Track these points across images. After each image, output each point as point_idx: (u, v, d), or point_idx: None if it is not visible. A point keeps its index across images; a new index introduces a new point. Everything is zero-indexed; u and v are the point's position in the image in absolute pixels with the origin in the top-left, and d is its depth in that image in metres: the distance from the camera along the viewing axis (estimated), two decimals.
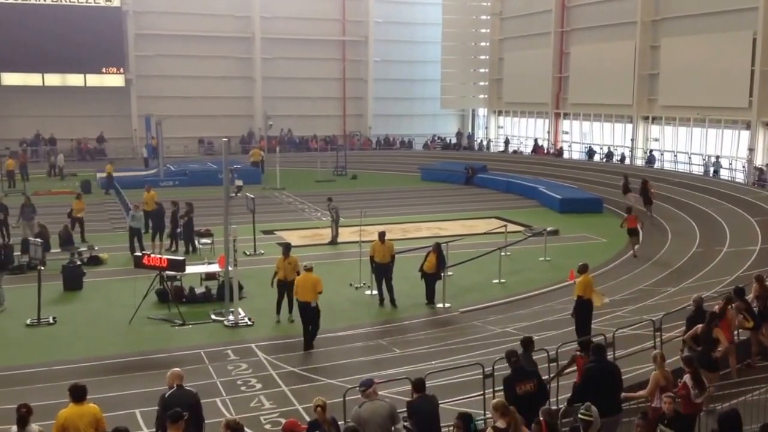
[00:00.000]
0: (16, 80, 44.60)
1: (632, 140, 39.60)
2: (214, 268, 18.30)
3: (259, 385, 12.54)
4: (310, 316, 14.63)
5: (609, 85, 40.05)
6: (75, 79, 45.60)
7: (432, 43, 51.95)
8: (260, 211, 24.40)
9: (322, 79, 51.30)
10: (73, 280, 18.80)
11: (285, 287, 16.31)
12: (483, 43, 52.06)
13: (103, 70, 46.04)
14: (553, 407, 9.90)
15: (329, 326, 16.04)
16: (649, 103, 38.81)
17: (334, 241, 24.18)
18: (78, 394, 8.40)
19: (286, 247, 16.91)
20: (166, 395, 8.80)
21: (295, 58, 50.04)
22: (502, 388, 9.38)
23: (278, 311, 16.41)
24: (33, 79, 44.77)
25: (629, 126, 40.28)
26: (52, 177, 39.69)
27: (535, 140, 46.60)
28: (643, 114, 39.34)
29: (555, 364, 10.69)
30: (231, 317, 16.15)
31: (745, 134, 33.75)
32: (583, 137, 44.10)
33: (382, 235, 17.83)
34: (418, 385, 8.79)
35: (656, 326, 12.11)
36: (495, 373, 10.00)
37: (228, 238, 16.31)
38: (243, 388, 12.48)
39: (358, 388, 8.69)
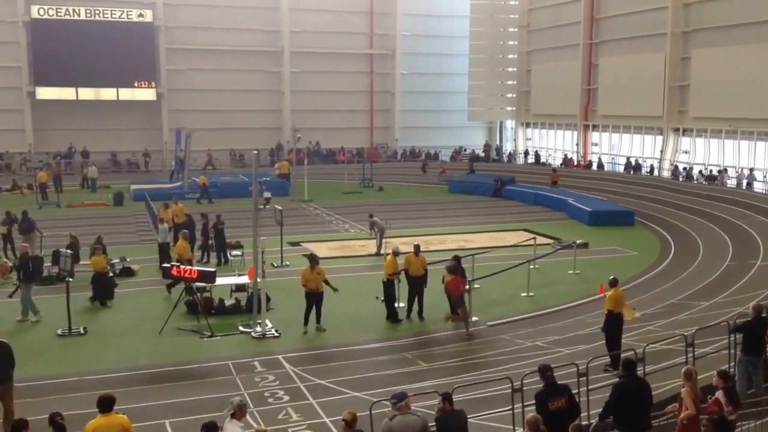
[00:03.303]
0: (50, 94, 45.41)
1: (662, 152, 39.15)
2: (244, 279, 18.38)
3: (286, 398, 12.53)
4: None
5: (639, 97, 39.67)
6: (108, 93, 46.37)
7: (459, 56, 51.95)
8: (288, 223, 24.53)
9: (349, 92, 51.55)
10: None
11: (314, 298, 16.35)
12: (511, 56, 51.93)
13: (136, 84, 46.78)
14: (584, 422, 9.80)
15: (356, 339, 16.06)
16: (680, 115, 38.36)
17: (378, 252, 24.04)
18: (105, 405, 8.47)
19: (313, 258, 16.93)
20: None
21: (323, 72, 50.37)
22: (531, 402, 9.27)
23: (306, 322, 16.43)
24: (67, 93, 45.57)
25: (659, 138, 39.84)
26: (85, 189, 40.27)
27: (536, 152, 46.41)
28: (673, 126, 38.89)
29: (585, 378, 10.55)
30: (258, 329, 16.21)
31: None
32: (612, 149, 43.75)
33: (417, 248, 17.71)
34: (447, 398, 8.72)
35: (688, 341, 11.87)
36: (524, 388, 9.88)
37: (257, 250, 16.38)
38: (270, 400, 12.48)
39: (389, 401, 8.55)
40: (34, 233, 23.83)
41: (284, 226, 23.15)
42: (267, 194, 21.70)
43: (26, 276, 17.12)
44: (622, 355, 11.76)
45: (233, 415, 8.46)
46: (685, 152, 38.67)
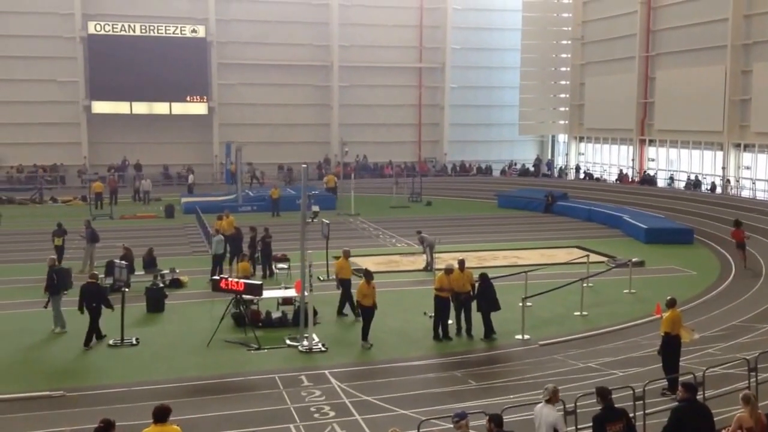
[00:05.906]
0: (105, 108, 46.48)
1: (723, 168, 37.96)
2: (291, 293, 18.34)
3: (332, 413, 12.37)
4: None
5: (697, 111, 38.62)
6: (161, 108, 47.27)
7: (510, 69, 51.48)
8: (334, 236, 24.43)
9: (398, 106, 51.51)
10: (155, 302, 19.19)
11: (370, 312, 16.31)
12: (563, 69, 51.25)
13: (188, 98, 47.55)
14: None
15: (403, 355, 15.85)
16: (741, 130, 37.20)
17: (428, 267, 23.79)
18: (161, 415, 8.58)
19: (368, 273, 16.88)
20: None
21: (372, 86, 50.51)
22: (584, 426, 8.95)
23: (366, 337, 16.36)
24: (122, 108, 46.63)
25: (719, 153, 38.67)
26: (137, 201, 41.03)
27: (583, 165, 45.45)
28: (734, 141, 37.73)
29: (642, 402, 10.13)
30: (305, 342, 16.12)
31: None
32: (670, 165, 42.69)
33: (461, 263, 17.45)
34: (494, 420, 8.48)
35: (751, 365, 11.34)
36: (577, 411, 9.55)
37: (304, 264, 16.32)
38: (316, 415, 12.33)
39: (451, 418, 8.61)
40: (94, 245, 24.14)
41: (330, 239, 23.04)
42: (315, 208, 21.68)
43: (51, 288, 17.29)
44: (682, 378, 11.31)
45: (548, 401, 8.95)
46: (747, 168, 37.48)
